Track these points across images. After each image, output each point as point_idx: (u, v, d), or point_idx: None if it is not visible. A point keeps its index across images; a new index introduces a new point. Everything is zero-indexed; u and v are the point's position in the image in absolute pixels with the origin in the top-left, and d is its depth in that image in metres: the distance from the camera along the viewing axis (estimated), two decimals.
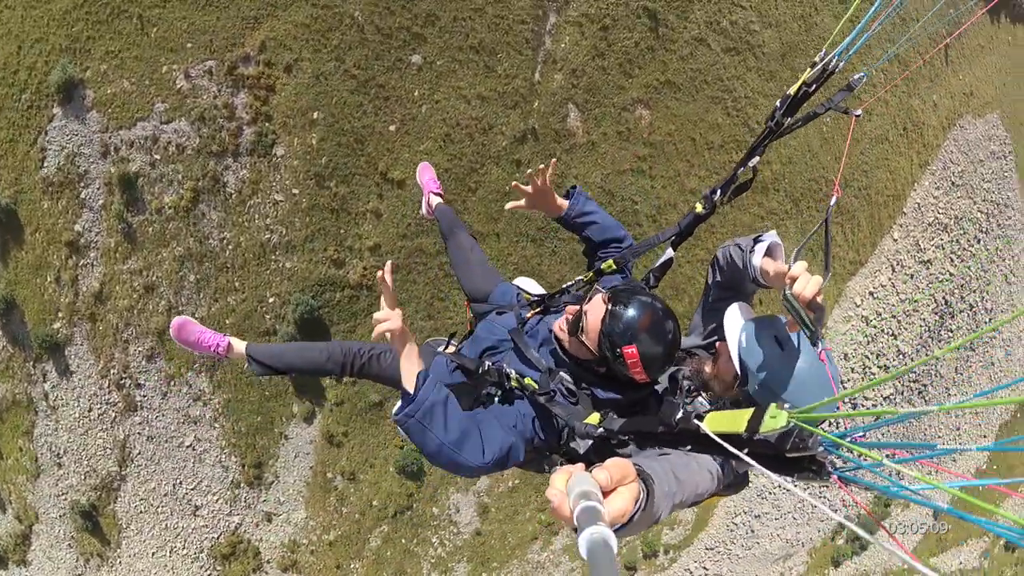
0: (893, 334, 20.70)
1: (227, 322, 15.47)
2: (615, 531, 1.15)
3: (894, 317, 20.50)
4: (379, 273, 2.35)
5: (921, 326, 21.08)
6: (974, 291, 22.80)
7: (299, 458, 15.88)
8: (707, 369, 2.61)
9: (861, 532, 1.09)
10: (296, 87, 15.30)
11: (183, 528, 16.94)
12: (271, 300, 15.23)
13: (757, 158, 2.66)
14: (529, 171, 2.99)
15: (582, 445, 2.28)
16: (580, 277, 3.02)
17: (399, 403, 2.28)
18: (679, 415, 1.85)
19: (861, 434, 1.47)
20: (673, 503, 1.66)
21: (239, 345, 3.76)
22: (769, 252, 2.36)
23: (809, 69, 2.62)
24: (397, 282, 15.95)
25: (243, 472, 16.19)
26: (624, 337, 2.25)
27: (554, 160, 3.11)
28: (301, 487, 16.07)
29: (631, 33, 17.24)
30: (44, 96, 16.31)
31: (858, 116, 2.87)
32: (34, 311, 16.61)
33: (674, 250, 2.92)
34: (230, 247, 15.25)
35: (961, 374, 22.57)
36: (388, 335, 2.34)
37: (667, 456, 1.91)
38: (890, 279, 20.76)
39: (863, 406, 19.89)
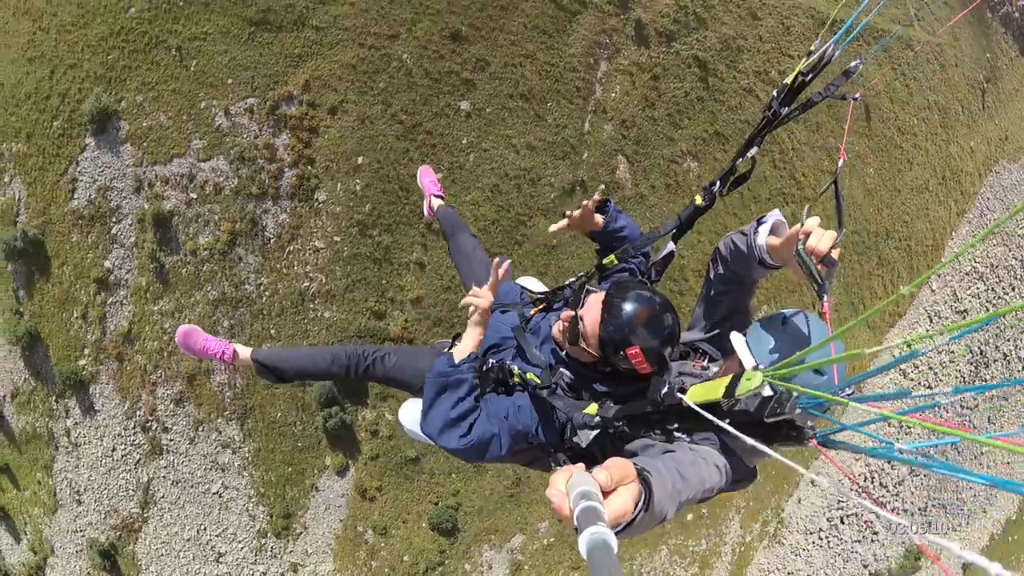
0: (929, 385, 20.07)
1: None
2: (618, 531, 1.13)
3: (931, 369, 19.86)
4: (495, 260, 2.50)
5: (956, 377, 20.46)
6: (1008, 340, 22.21)
7: (330, 511, 15.11)
8: (714, 370, 2.49)
9: (851, 497, 1.07)
10: (341, 130, 14.45)
11: (205, 574, 16.16)
12: None
13: (756, 148, 2.58)
14: (585, 202, 2.92)
15: (584, 439, 2.23)
16: (582, 273, 2.92)
17: (439, 359, 2.44)
18: (664, 390, 1.81)
19: (849, 392, 1.37)
20: (680, 501, 1.61)
21: (244, 351, 3.60)
22: (774, 231, 2.24)
23: (806, 58, 2.50)
24: (439, 335, 15.18)
25: (271, 522, 15.41)
26: (625, 338, 2.20)
27: (602, 187, 3.08)
28: (330, 540, 15.32)
29: (681, 83, 16.46)
30: (76, 125, 15.40)
31: (856, 100, 2.74)
32: (59, 346, 15.75)
33: (675, 243, 2.84)
34: (267, 293, 14.41)
35: (994, 423, 22.02)
36: (473, 309, 2.47)
37: (672, 454, 1.86)
38: (927, 330, 20.12)
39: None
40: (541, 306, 2.92)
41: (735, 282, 2.51)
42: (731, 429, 1.29)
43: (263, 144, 14.36)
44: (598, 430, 2.15)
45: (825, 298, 1.87)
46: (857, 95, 2.75)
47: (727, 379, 1.52)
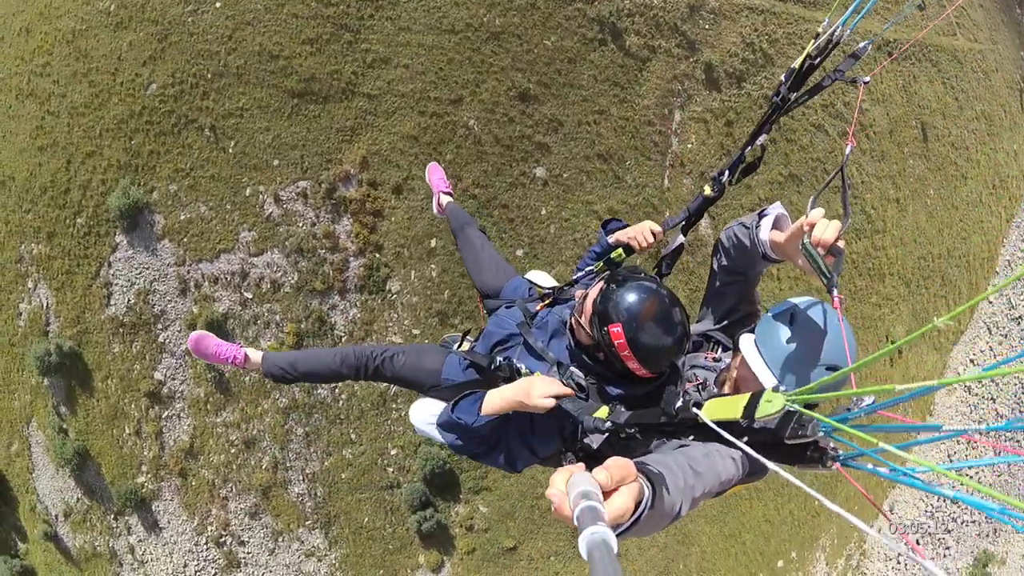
0: (992, 397, 19.09)
1: (343, 476, 12.76)
2: (624, 531, 1.10)
3: (993, 381, 18.86)
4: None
5: (1016, 385, 19.52)
6: None
7: None
8: (726, 362, 2.24)
9: (861, 525, 0.90)
10: (408, 211, 12.34)
11: None
12: (393, 452, 12.55)
13: (765, 136, 2.41)
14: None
15: (595, 440, 2.04)
16: (591, 267, 2.70)
17: (453, 410, 2.18)
18: (678, 404, 1.54)
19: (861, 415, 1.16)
20: (693, 496, 1.49)
21: (256, 355, 3.40)
22: (776, 224, 2.01)
23: (813, 40, 2.22)
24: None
25: None
26: (609, 315, 2.02)
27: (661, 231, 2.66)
28: None
29: (753, 126, 14.62)
30: (104, 221, 12.98)
31: (866, 83, 2.39)
32: (112, 464, 13.57)
33: (684, 235, 2.59)
34: (343, 397, 12.44)
35: None
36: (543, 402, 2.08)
37: (684, 449, 1.69)
38: (987, 343, 19.01)
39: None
40: (548, 301, 2.65)
41: (739, 273, 2.28)
42: (751, 451, 1.13)
43: (322, 232, 12.20)
44: (608, 435, 1.89)
45: (835, 292, 1.62)
46: (867, 78, 2.42)
47: (745, 398, 1.27)
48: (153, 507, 13.23)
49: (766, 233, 1.99)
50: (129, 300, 12.59)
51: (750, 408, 1.23)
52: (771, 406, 1.17)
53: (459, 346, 2.79)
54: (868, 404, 1.15)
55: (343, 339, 12.13)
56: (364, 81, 12.39)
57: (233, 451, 12.53)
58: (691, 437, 1.61)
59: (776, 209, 2.05)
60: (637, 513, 1.10)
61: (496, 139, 12.30)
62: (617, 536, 0.94)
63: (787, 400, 1.14)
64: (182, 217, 12.42)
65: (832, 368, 1.75)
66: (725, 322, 2.37)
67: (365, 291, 12.10)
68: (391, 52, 12.43)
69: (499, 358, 2.42)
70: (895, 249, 16.36)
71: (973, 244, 18.56)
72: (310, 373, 3.21)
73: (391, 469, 12.43)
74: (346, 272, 12.13)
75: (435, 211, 4.22)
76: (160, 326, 12.54)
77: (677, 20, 13.84)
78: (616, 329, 1.98)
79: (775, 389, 1.25)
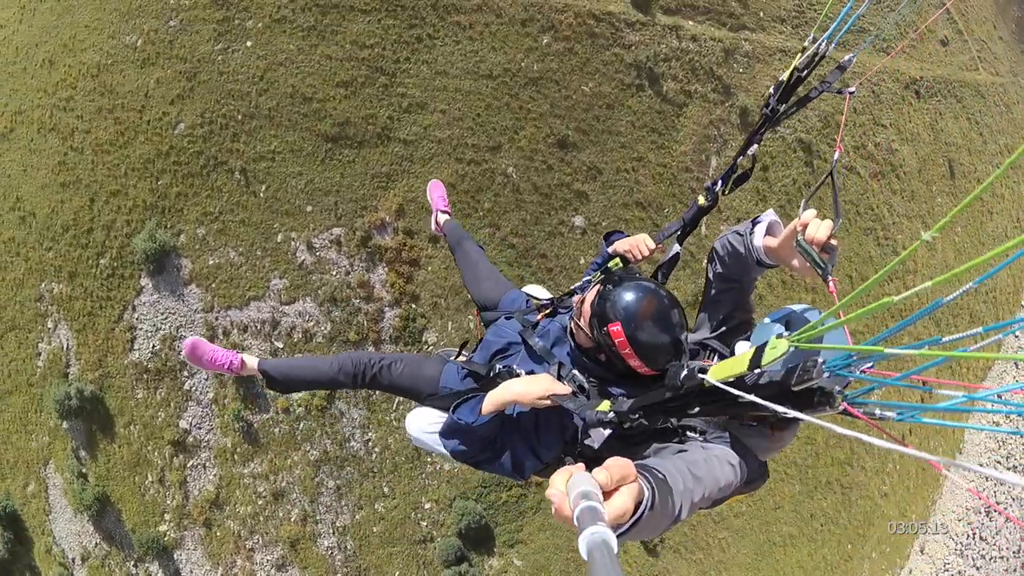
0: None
1: (374, 530, 12.21)
2: (623, 531, 1.07)
3: (1020, 414, 18.61)
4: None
5: None
6: None
7: None
8: None
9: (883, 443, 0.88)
10: (445, 260, 11.80)
11: None
12: (427, 506, 12.03)
13: (756, 146, 2.45)
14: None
15: (597, 438, 2.02)
16: (588, 277, 2.64)
17: (454, 412, 2.12)
18: (683, 373, 1.46)
19: (869, 365, 1.12)
20: (693, 501, 1.49)
21: (251, 361, 3.18)
22: (769, 231, 1.98)
23: (800, 54, 2.28)
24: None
25: None
26: (607, 315, 1.99)
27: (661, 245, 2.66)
28: None
29: (789, 170, 14.20)
30: (128, 263, 12.34)
31: (852, 94, 2.47)
32: (133, 510, 12.91)
33: (680, 244, 2.57)
34: (376, 449, 11.89)
35: None
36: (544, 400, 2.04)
37: (684, 454, 1.71)
38: (1015, 377, 18.81)
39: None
40: (547, 311, 2.58)
41: (734, 280, 2.24)
42: (761, 401, 1.13)
43: (357, 282, 11.64)
44: (611, 429, 1.90)
45: (830, 279, 1.63)
46: (852, 88, 2.45)
47: (750, 352, 1.24)
48: (175, 556, 12.60)
49: (760, 239, 1.98)
50: (154, 345, 11.96)
51: (756, 358, 1.18)
52: (776, 351, 1.14)
53: (456, 357, 2.74)
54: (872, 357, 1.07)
55: (376, 392, 11.58)
56: (400, 126, 11.84)
57: (261, 502, 11.94)
58: (697, 409, 1.51)
59: (769, 216, 2.04)
60: (637, 514, 1.08)
61: (535, 187, 11.80)
62: (618, 537, 0.93)
63: (791, 342, 1.10)
64: (210, 262, 11.81)
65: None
66: (722, 330, 2.33)
67: (400, 342, 11.55)
68: (428, 97, 11.89)
69: (498, 366, 2.37)
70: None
71: (999, 279, 18.29)
72: (307, 380, 3.14)
73: (425, 523, 11.89)
74: (381, 323, 11.57)
75: (432, 228, 4.22)
76: (186, 373, 11.92)
77: (713, 64, 13.41)
78: (615, 328, 1.95)
79: (779, 336, 1.21)
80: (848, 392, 1.15)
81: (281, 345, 11.63)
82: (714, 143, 13.12)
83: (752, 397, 1.16)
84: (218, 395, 11.85)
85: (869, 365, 1.12)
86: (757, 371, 1.22)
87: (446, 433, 2.17)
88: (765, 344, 1.18)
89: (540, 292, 3.03)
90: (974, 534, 16.12)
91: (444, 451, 2.24)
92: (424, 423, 2.42)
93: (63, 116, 12.69)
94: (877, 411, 1.06)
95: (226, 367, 3.20)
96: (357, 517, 11.84)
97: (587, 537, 0.78)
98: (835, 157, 2.19)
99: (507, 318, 2.69)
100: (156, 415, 12.06)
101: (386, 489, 11.76)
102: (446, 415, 2.17)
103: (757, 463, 1.92)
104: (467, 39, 11.97)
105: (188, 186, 11.97)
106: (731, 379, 1.26)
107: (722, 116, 13.27)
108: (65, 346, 12.52)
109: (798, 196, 13.98)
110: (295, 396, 11.59)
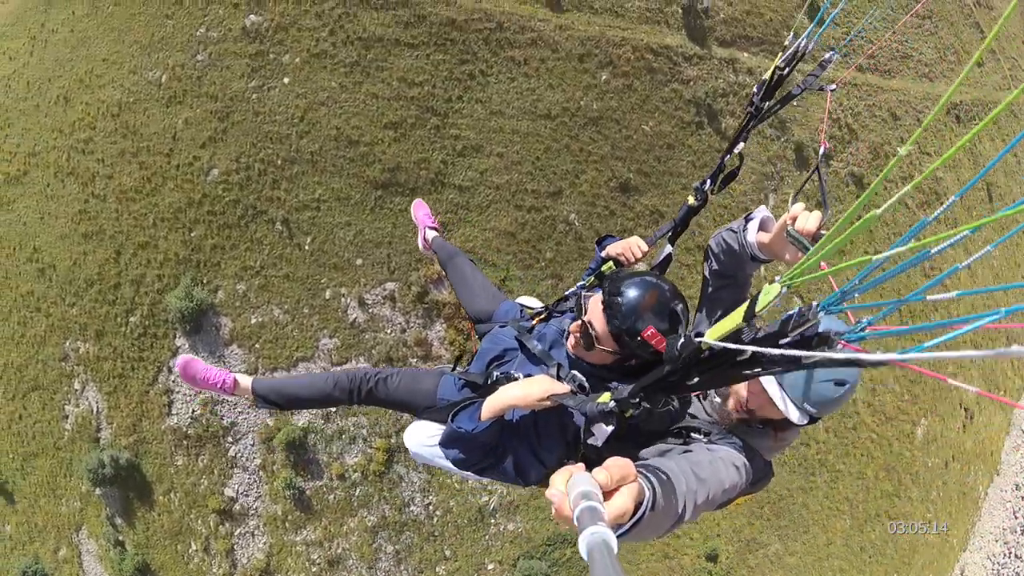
0: None
1: None
2: (624, 531, 1.05)
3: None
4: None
5: None
6: None
7: None
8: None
9: (880, 358, 0.80)
10: None
11: None
12: (491, 567, 10.93)
13: (742, 144, 2.35)
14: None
15: (600, 436, 1.83)
16: (582, 283, 2.50)
17: (453, 420, 1.97)
18: (680, 342, 1.30)
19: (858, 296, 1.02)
20: (696, 502, 1.43)
21: (245, 381, 2.91)
22: (762, 226, 1.92)
23: (781, 53, 2.21)
24: None
25: None
26: (633, 326, 1.82)
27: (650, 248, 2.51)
28: None
29: (842, 204, 13.24)
30: (161, 322, 10.84)
31: (833, 90, 2.42)
32: None
33: (672, 245, 2.49)
34: (438, 512, 10.72)
35: None
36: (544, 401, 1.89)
37: (688, 454, 1.64)
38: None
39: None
40: (543, 316, 2.41)
41: (729, 276, 2.16)
42: (761, 349, 1.03)
43: (414, 339, 10.34)
44: (613, 423, 1.70)
45: (823, 264, 1.30)
46: (833, 86, 2.39)
47: (744, 305, 1.12)
48: None
49: (753, 235, 1.90)
50: (194, 410, 10.55)
51: (750, 308, 1.09)
52: (769, 295, 1.06)
53: (454, 368, 2.57)
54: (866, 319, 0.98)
55: None
56: (455, 171, 10.47)
57: (315, 570, 10.72)
58: (696, 379, 1.29)
59: (761, 212, 1.96)
60: (638, 514, 1.05)
61: (597, 234, 10.58)
62: (618, 537, 0.90)
63: (783, 284, 1.04)
64: (253, 320, 10.40)
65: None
66: None
67: None
68: (483, 139, 10.53)
69: (495, 373, 2.22)
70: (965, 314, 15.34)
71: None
72: (302, 398, 2.90)
73: None
74: None
75: (420, 247, 4.00)
76: (230, 439, 10.56)
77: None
78: (649, 332, 1.79)
79: (772, 281, 1.09)
80: (846, 330, 1.00)
81: (333, 408, 10.33)
82: (771, 180, 12.03)
83: (752, 348, 1.02)
84: (266, 461, 10.53)
85: (868, 320, 0.98)
86: (753, 323, 1.09)
87: (446, 443, 2.05)
88: (758, 294, 1.07)
89: (533, 302, 2.90)
90: (1010, 553, 15.68)
91: (445, 463, 2.12)
92: (423, 436, 2.29)
93: (82, 159, 11.03)
94: (879, 352, 0.86)
95: (218, 386, 3.00)
96: None
97: (587, 537, 0.74)
98: (820, 152, 2.31)
99: (501, 327, 2.56)
100: (199, 482, 10.70)
101: (447, 552, 10.64)
102: (444, 427, 2.06)
103: (763, 463, 1.86)
104: (522, 76, 10.61)
105: (225, 238, 10.49)
106: (728, 337, 1.11)
107: (779, 153, 12.17)
108: (95, 409, 11.04)
109: (852, 235, 13.02)
110: (350, 461, 10.34)
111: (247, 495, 10.65)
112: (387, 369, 2.75)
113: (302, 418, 10.36)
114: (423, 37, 10.45)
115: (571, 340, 2.08)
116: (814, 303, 1.04)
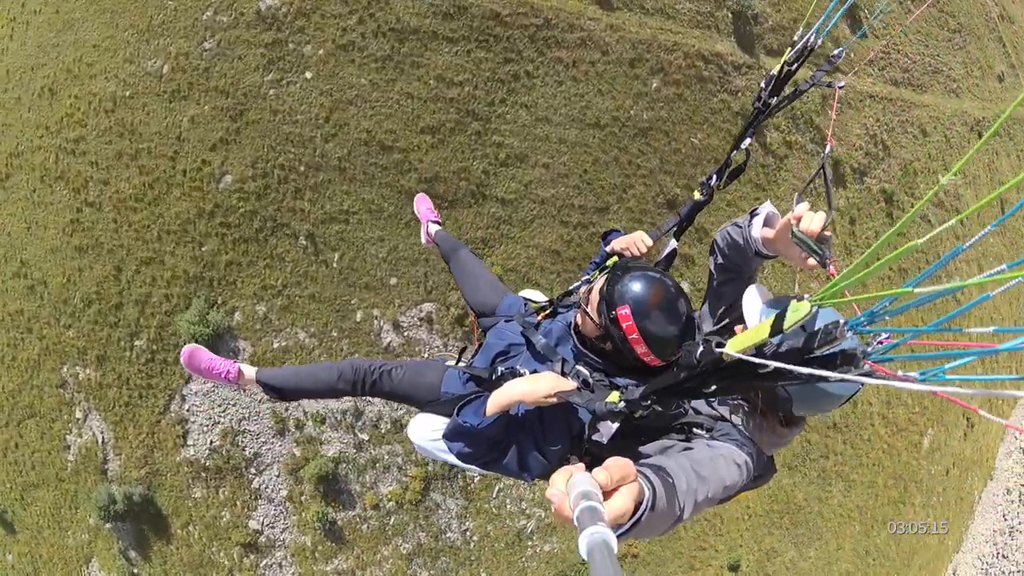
0: None
1: None
2: (624, 531, 0.99)
3: None
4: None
5: None
6: None
7: None
8: None
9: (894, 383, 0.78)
10: None
11: None
12: None
13: (749, 140, 2.23)
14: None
15: (606, 432, 1.73)
16: (587, 276, 2.36)
17: (458, 414, 1.87)
18: (700, 349, 1.21)
19: (887, 336, 0.99)
20: (696, 500, 1.34)
21: (250, 371, 2.81)
22: (767, 222, 1.83)
23: (789, 48, 2.07)
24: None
25: None
26: (616, 299, 1.78)
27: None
28: None
29: (872, 222, 12.31)
30: (171, 346, 9.20)
31: (841, 88, 2.31)
32: None
33: (677, 240, 2.40)
34: (475, 538, 9.71)
35: None
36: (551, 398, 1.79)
37: (689, 452, 1.53)
38: None
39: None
40: (547, 312, 2.31)
41: (734, 271, 2.05)
42: (787, 366, 0.99)
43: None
44: (620, 421, 1.63)
45: (829, 264, 1.51)
46: (841, 83, 2.28)
47: (770, 319, 1.04)
48: None
49: (758, 230, 1.81)
50: (212, 441, 9.13)
51: (777, 323, 1.01)
52: (798, 313, 0.98)
53: (456, 362, 2.34)
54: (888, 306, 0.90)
55: (475, 479, 9.32)
56: (497, 182, 9.08)
57: None
58: (714, 387, 1.23)
59: (767, 208, 1.85)
60: (638, 514, 1.00)
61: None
62: (618, 537, 0.86)
63: (813, 302, 0.97)
64: (276, 345, 8.94)
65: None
66: (725, 321, 2.04)
67: None
68: (528, 148, 9.13)
69: (500, 368, 2.08)
70: (979, 328, 14.98)
71: None
72: (306, 389, 2.74)
73: None
74: None
75: (423, 240, 3.82)
76: (253, 470, 9.22)
77: (811, 112, 11.16)
78: (624, 311, 1.75)
79: (799, 298, 1.02)
80: (871, 352, 0.95)
81: (366, 437, 9.08)
82: (811, 196, 11.05)
83: (777, 364, 0.98)
84: (293, 492, 9.26)
85: (887, 337, 0.95)
86: (777, 339, 1.02)
87: (450, 436, 1.90)
88: (785, 309, 0.99)
89: (537, 296, 2.72)
90: (998, 553, 15.84)
91: (449, 456, 1.97)
92: (427, 430, 2.12)
93: (72, 162, 9.14)
94: (900, 372, 0.88)
95: (223, 376, 2.80)
96: None
97: (587, 537, 0.71)
98: (826, 151, 2.11)
99: (506, 321, 2.38)
100: (220, 515, 9.38)
101: (483, 574, 9.71)
102: (449, 421, 1.90)
103: (765, 459, 1.74)
104: (571, 79, 9.19)
105: (241, 254, 8.91)
106: (751, 350, 1.03)
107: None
108: (100, 439, 9.48)
109: (880, 250, 12.26)
110: (384, 490, 9.18)
111: (273, 527, 9.41)
112: (392, 362, 2.59)
113: (332, 448, 9.09)
114: (463, 31, 8.87)
115: (581, 299, 1.98)
116: (842, 321, 0.97)
